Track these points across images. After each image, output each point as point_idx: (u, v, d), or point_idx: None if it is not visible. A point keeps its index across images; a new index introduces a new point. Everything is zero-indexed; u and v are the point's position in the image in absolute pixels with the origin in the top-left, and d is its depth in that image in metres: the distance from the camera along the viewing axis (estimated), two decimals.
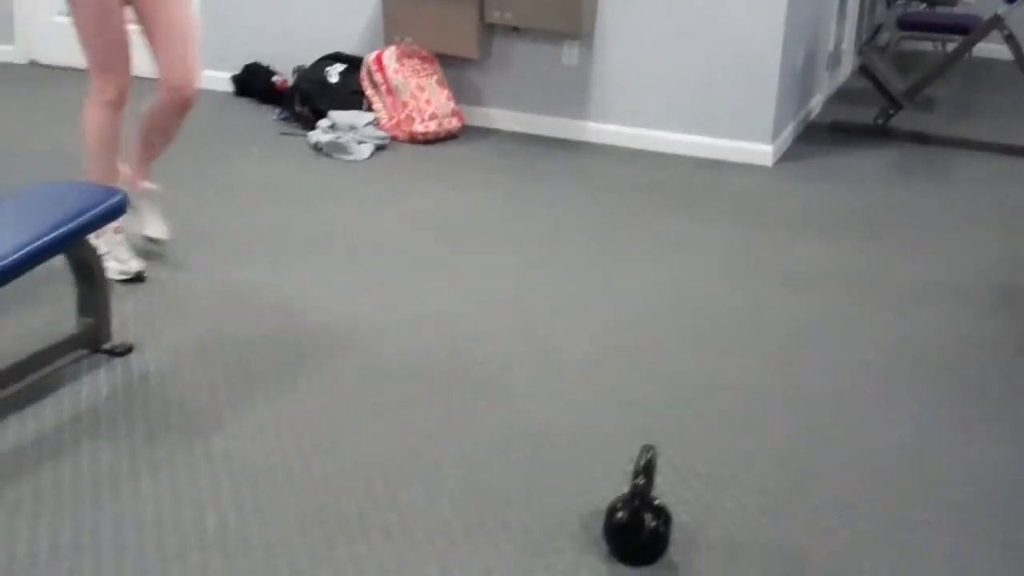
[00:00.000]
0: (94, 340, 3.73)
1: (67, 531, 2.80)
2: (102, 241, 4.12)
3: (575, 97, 6.31)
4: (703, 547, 2.86)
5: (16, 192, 3.77)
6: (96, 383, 3.57)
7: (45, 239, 3.38)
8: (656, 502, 2.82)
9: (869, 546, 2.88)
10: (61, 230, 3.43)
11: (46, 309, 3.94)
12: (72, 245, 3.55)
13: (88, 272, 3.67)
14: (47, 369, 3.59)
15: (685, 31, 6.01)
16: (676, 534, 2.83)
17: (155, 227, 4.48)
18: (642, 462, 2.78)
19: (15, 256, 3.28)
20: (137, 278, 4.20)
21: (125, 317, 3.94)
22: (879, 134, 6.75)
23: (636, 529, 2.79)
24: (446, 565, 2.70)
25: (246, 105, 6.73)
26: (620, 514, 2.80)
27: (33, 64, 7.51)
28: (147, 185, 4.44)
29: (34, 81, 7.19)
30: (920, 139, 6.69)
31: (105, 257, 4.03)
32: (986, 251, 5.04)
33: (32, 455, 3.15)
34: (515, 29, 6.24)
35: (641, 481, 2.76)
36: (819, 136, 6.77)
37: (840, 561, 2.81)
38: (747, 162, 6.03)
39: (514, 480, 3.09)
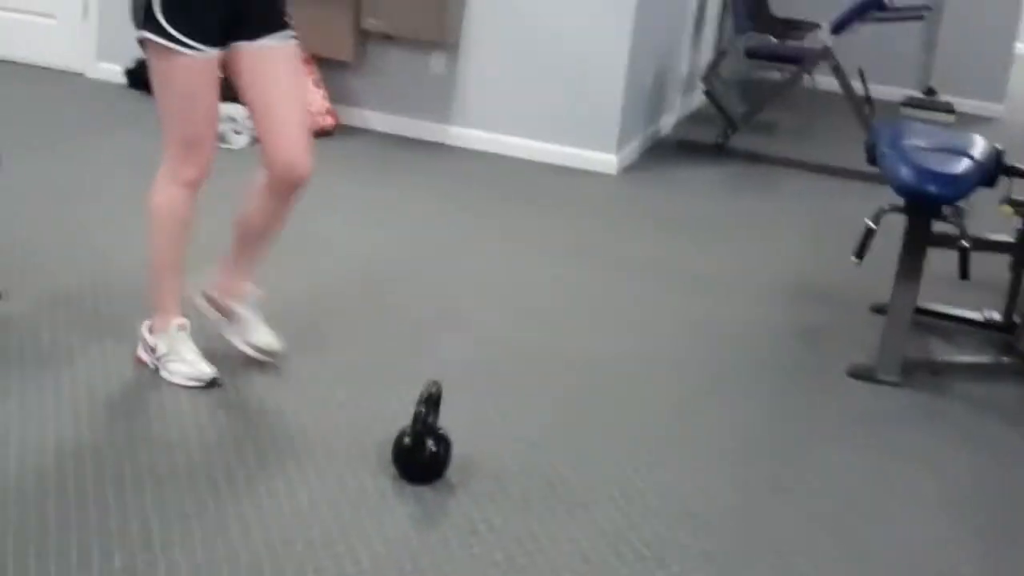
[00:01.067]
0: None
1: None
2: (160, 340, 3.51)
3: (440, 103, 6.64)
4: (478, 472, 3.21)
5: None
6: None
7: None
8: (439, 431, 3.16)
9: (624, 473, 3.26)
10: None
11: None
12: None
13: None
14: None
15: (541, 47, 6.38)
16: (456, 461, 3.18)
17: (263, 335, 3.68)
18: (426, 394, 3.13)
19: None
20: (212, 384, 3.48)
21: None
22: (719, 152, 7.16)
23: (416, 451, 3.14)
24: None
25: (136, 95, 6.95)
26: (405, 438, 3.15)
27: None
28: (250, 289, 3.70)
29: None
30: (754, 158, 7.11)
31: (165, 359, 3.48)
32: (792, 253, 5.47)
33: None
34: (388, 36, 6.55)
35: (422, 409, 3.11)
36: (665, 151, 7.17)
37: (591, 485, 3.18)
38: (593, 169, 6.41)
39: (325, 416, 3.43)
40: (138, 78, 7.05)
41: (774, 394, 4.02)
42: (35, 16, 7.37)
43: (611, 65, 6.32)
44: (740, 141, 7.30)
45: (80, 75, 7.30)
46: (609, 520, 3.05)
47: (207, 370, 3.47)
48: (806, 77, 7.99)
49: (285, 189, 3.46)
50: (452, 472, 3.17)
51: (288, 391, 3.58)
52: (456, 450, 3.18)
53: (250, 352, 3.66)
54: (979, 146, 4.33)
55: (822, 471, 3.49)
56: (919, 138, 4.33)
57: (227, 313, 3.69)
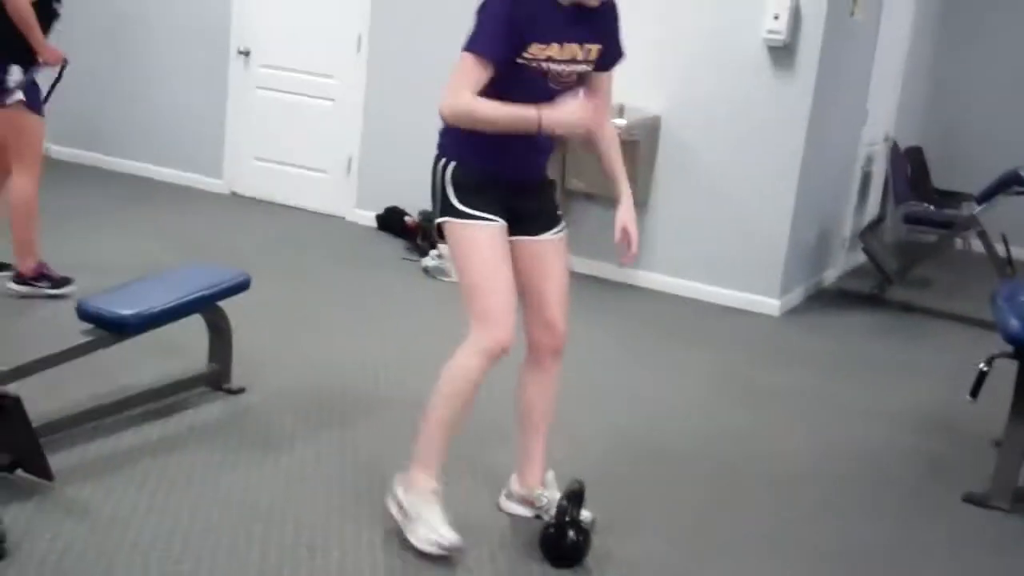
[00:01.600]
0: (217, 380, 4.27)
1: (186, 502, 3.32)
2: (412, 500, 3.22)
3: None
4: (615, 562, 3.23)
5: (170, 270, 4.36)
6: (213, 409, 4.10)
7: (185, 300, 3.96)
8: (580, 522, 3.20)
9: None
10: (196, 295, 4.01)
11: (187, 356, 4.41)
12: (206, 308, 4.11)
13: (218, 328, 4.23)
14: (184, 394, 4.15)
15: (716, 203, 6.45)
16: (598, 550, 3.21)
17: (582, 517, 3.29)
18: (568, 490, 3.19)
19: (161, 308, 3.86)
20: (452, 551, 3.13)
21: (243, 365, 4.45)
22: (875, 302, 7.02)
23: (559, 539, 3.18)
24: None
25: (385, 237, 7.29)
26: (550, 528, 3.20)
27: (234, 195, 8.16)
28: (550, 476, 3.48)
29: (235, 209, 7.83)
30: (907, 308, 6.94)
31: (412, 523, 3.19)
32: (929, 390, 5.29)
33: (162, 447, 3.70)
34: (588, 194, 6.72)
35: (565, 503, 3.16)
36: (826, 299, 7.06)
37: None
38: (758, 311, 6.38)
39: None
40: (386, 222, 7.42)
41: (894, 508, 3.91)
42: (312, 171, 7.83)
43: (777, 222, 6.34)
44: (897, 294, 7.14)
45: (342, 219, 7.69)
46: None
47: (453, 540, 3.13)
48: (959, 240, 7.80)
49: (545, 353, 3.31)
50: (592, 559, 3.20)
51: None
52: (599, 540, 3.20)
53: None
54: None
55: None
56: None
57: (539, 504, 3.42)
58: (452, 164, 3.15)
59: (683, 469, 4.03)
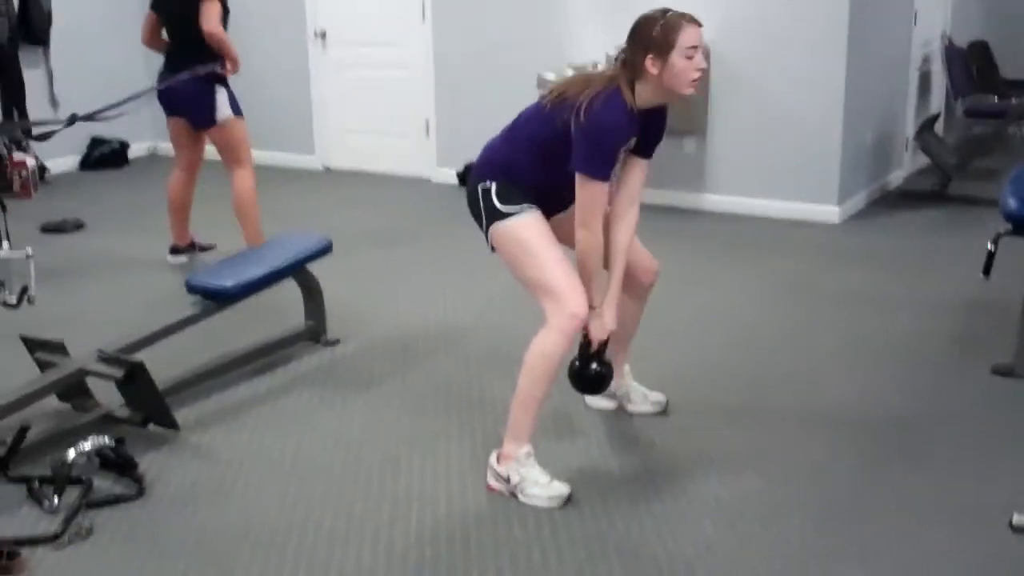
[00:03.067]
0: (315, 334, 4.84)
1: (291, 440, 3.91)
2: (511, 469, 3.41)
3: (694, 176, 7.13)
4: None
5: (267, 242, 4.94)
6: (312, 360, 4.68)
7: (276, 267, 4.53)
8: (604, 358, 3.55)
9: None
10: (286, 262, 4.58)
11: (288, 316, 4.97)
12: (298, 272, 4.68)
13: (309, 289, 4.80)
14: (287, 350, 4.72)
15: (768, 123, 6.79)
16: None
17: (654, 395, 4.04)
18: (582, 338, 3.51)
19: (257, 277, 4.44)
20: (568, 500, 3.38)
21: (339, 321, 5.01)
22: (938, 198, 7.26)
23: (583, 369, 3.56)
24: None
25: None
26: (575, 363, 3.58)
27: (327, 170, 8.78)
28: (628, 369, 4.02)
29: (328, 183, 8.45)
30: (970, 201, 7.16)
31: (522, 486, 3.38)
32: (974, 279, 5.55)
33: (270, 397, 4.29)
34: None
35: (582, 339, 3.51)
36: (890, 201, 7.33)
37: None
38: (818, 220, 6.71)
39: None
40: (466, 178, 7.89)
41: (928, 380, 4.32)
42: (394, 138, 8.37)
43: (829, 132, 6.65)
44: (960, 188, 7.36)
45: (427, 180, 8.22)
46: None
47: (563, 489, 3.38)
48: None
49: (644, 287, 3.77)
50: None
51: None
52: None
53: (652, 409, 3.98)
54: None
55: (955, 441, 3.77)
56: None
57: (620, 394, 3.98)
58: (494, 184, 3.41)
59: (734, 361, 4.47)
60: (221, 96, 5.64)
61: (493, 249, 3.50)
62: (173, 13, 5.63)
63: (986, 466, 3.61)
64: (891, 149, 7.61)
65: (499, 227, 3.42)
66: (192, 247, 6.12)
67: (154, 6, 5.75)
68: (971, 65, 8.44)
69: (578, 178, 3.27)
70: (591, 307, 3.37)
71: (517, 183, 3.41)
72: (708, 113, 7.02)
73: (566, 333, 3.30)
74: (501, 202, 3.40)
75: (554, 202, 3.45)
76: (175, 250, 6.09)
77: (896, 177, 7.77)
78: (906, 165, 7.95)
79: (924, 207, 7.15)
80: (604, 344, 3.50)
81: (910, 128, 7.88)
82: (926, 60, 8.08)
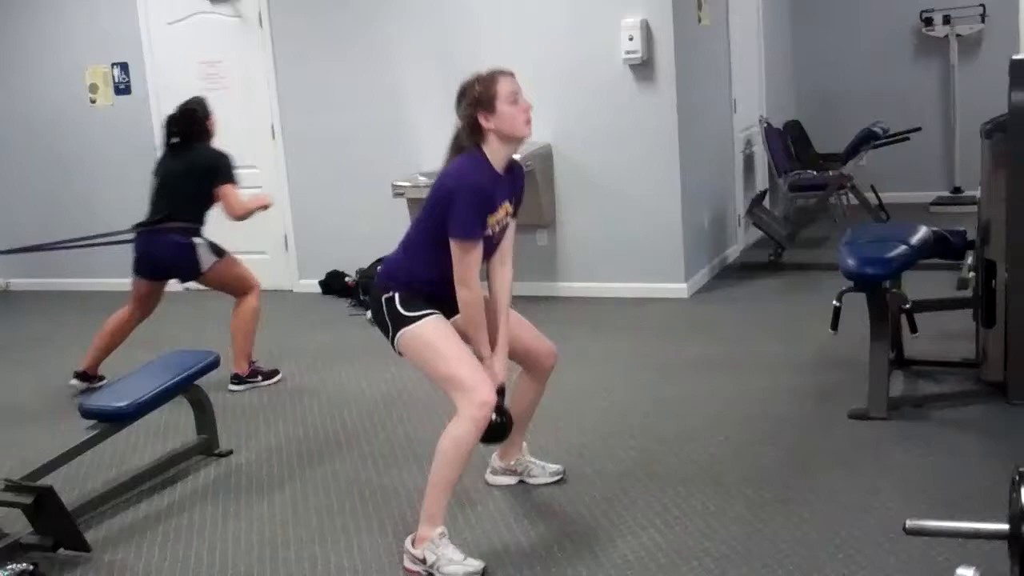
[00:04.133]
0: (208, 448, 4.91)
1: (204, 548, 3.96)
2: (426, 551, 3.53)
3: (547, 265, 7.46)
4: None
5: (150, 362, 5.00)
6: (209, 472, 4.74)
7: (168, 384, 4.61)
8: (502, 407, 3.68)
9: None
10: (177, 378, 4.66)
11: (179, 433, 5.10)
12: (186, 388, 4.76)
13: (200, 404, 4.87)
14: (180, 465, 4.77)
15: (613, 211, 7.19)
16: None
17: (550, 466, 4.27)
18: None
19: (150, 395, 4.51)
20: (485, 574, 3.52)
21: (228, 433, 5.10)
22: (774, 267, 7.76)
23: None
24: None
25: (330, 300, 7.95)
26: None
27: (187, 290, 8.78)
28: (523, 444, 4.25)
29: (191, 301, 8.45)
30: (803, 267, 7.68)
31: (438, 566, 3.50)
32: (821, 336, 5.95)
33: (174, 510, 4.34)
34: None
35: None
36: (731, 274, 7.80)
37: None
38: (668, 296, 7.10)
39: None
40: (329, 286, 8.08)
41: (793, 434, 4.64)
42: (254, 254, 8.44)
43: (669, 217, 7.08)
44: (793, 256, 7.89)
45: (289, 291, 8.34)
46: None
47: (478, 564, 3.51)
48: (843, 198, 8.56)
49: (545, 370, 3.99)
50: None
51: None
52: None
53: (552, 479, 4.20)
54: (918, 233, 4.89)
55: (827, 481, 4.09)
56: (866, 234, 4.93)
57: (520, 470, 4.21)
58: (397, 293, 3.60)
59: (615, 431, 4.73)
60: (201, 249, 5.68)
61: (400, 354, 3.68)
62: (176, 186, 5.67)
63: (859, 498, 3.94)
64: (726, 227, 8.12)
65: (405, 332, 3.59)
66: (95, 378, 6.00)
67: (158, 172, 5.80)
68: (788, 144, 9.09)
69: (453, 245, 3.52)
70: (481, 359, 3.60)
71: (418, 291, 3.62)
72: (556, 206, 7.39)
73: (477, 421, 3.49)
74: (405, 309, 3.59)
75: (452, 301, 3.65)
76: (84, 376, 5.96)
77: (733, 251, 8.27)
78: (740, 240, 8.47)
79: (762, 276, 7.63)
80: (500, 394, 3.67)
81: (740, 206, 8.42)
82: (748, 142, 8.67)
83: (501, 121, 3.57)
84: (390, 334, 3.65)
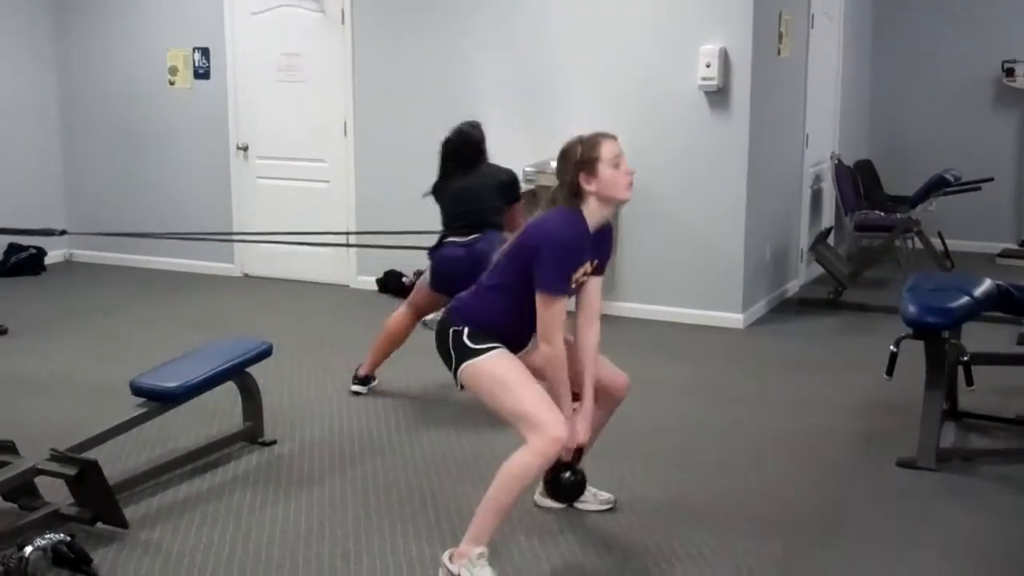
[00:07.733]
0: (252, 435, 4.93)
1: (239, 534, 3.97)
2: (462, 568, 3.47)
3: (606, 284, 7.36)
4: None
5: (205, 345, 5.03)
6: (251, 459, 4.76)
7: (219, 369, 4.63)
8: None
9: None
10: (228, 364, 4.68)
11: (225, 417, 5.13)
12: (237, 375, 4.77)
13: (248, 391, 4.89)
14: (224, 450, 4.79)
15: (677, 236, 7.14)
16: None
17: (602, 498, 4.18)
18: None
19: (201, 378, 4.53)
20: None
21: (274, 422, 5.10)
22: (833, 306, 7.65)
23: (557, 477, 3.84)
24: None
25: (385, 299, 7.94)
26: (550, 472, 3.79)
27: (246, 276, 8.85)
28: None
29: (248, 288, 8.51)
30: (863, 308, 7.55)
31: None
32: (876, 381, 5.86)
33: (213, 494, 4.35)
34: None
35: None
36: (789, 308, 7.69)
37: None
38: (723, 326, 7.03)
39: None
40: (385, 284, 8.09)
41: (838, 475, 4.57)
42: (314, 247, 8.49)
43: (732, 246, 7.01)
44: (854, 296, 7.76)
45: (346, 286, 8.36)
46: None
47: None
48: (909, 241, 8.42)
49: (617, 400, 3.99)
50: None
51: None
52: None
53: (603, 508, 4.11)
54: (982, 286, 4.79)
55: (868, 528, 4.01)
56: (929, 282, 4.83)
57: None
58: (466, 327, 3.57)
59: (657, 457, 4.68)
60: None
61: (462, 387, 3.64)
62: (483, 200, 5.52)
63: (898, 548, 3.86)
64: (787, 260, 8.02)
65: (471, 365, 3.55)
66: (369, 380, 5.80)
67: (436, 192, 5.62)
68: (858, 182, 8.97)
69: (539, 298, 3.49)
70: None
71: (487, 329, 3.59)
72: (618, 227, 7.32)
73: (547, 456, 3.43)
74: (472, 342, 3.55)
75: (521, 340, 3.65)
76: (365, 380, 5.77)
77: (793, 286, 8.17)
78: (801, 275, 8.36)
79: (820, 314, 7.52)
80: (578, 454, 3.67)
81: (804, 241, 8.31)
82: (817, 178, 8.57)
83: (602, 184, 3.56)
84: (453, 365, 3.61)
